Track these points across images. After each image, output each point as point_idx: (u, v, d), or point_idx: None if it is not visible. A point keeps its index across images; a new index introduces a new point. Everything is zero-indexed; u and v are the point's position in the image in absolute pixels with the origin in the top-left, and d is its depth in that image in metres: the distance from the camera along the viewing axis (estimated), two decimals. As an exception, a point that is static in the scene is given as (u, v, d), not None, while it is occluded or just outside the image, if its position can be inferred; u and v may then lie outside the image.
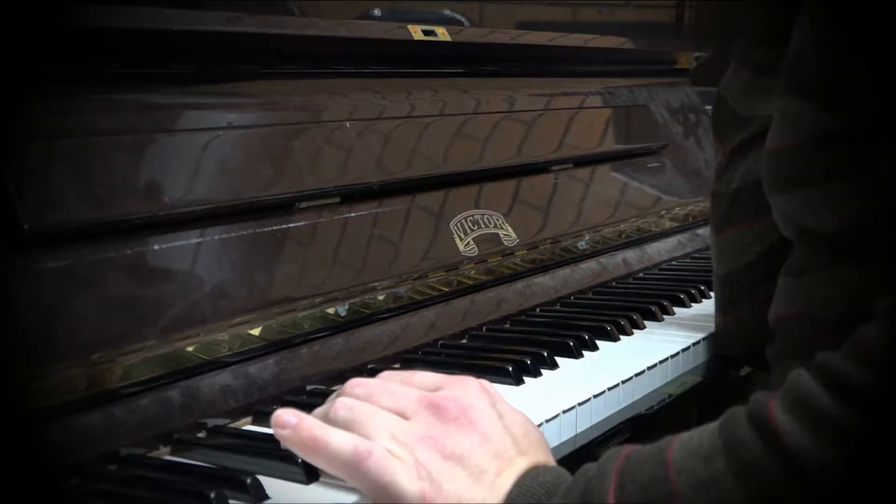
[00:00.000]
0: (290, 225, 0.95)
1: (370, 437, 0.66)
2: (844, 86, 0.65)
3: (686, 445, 0.59)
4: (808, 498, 0.54)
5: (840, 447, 0.53)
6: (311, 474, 0.70)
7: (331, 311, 0.94)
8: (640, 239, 1.44)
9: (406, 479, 0.64)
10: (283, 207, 0.95)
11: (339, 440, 0.66)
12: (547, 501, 0.62)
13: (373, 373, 0.93)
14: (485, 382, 0.71)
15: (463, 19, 1.43)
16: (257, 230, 0.91)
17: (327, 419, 0.69)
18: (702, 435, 0.59)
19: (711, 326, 1.08)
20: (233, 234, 0.89)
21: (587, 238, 1.32)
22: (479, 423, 0.66)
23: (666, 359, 1.00)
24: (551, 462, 0.68)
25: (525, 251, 1.20)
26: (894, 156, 0.61)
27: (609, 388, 0.91)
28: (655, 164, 1.56)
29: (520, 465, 0.65)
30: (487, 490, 0.64)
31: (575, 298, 1.23)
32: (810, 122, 0.68)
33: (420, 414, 0.67)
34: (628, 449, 0.62)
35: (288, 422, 0.67)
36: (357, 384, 0.71)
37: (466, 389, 0.69)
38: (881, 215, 0.63)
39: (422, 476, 0.64)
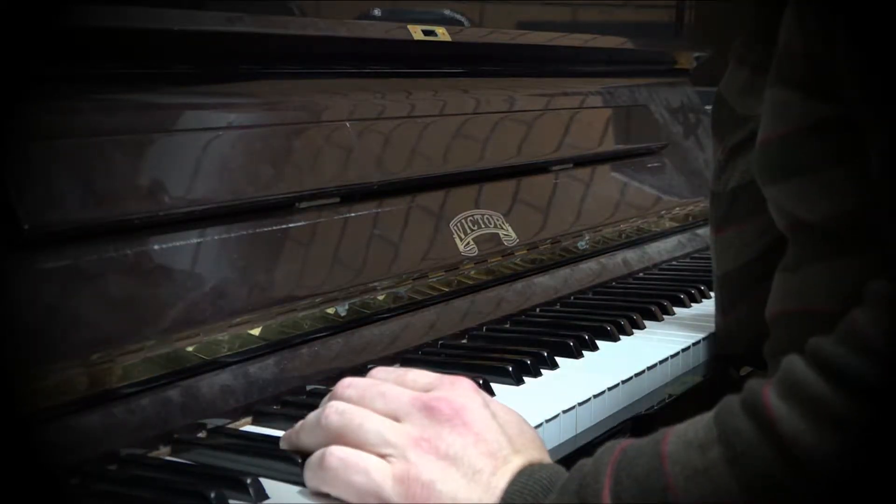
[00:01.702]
0: (290, 225, 0.95)
1: (363, 442, 0.66)
2: (832, 74, 0.64)
3: (681, 436, 0.59)
4: (803, 486, 0.53)
5: (835, 434, 0.53)
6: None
7: (331, 311, 0.94)
8: (640, 239, 1.44)
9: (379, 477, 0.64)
10: (283, 207, 0.95)
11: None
12: (543, 499, 0.62)
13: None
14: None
15: (463, 19, 1.43)
16: (257, 230, 0.91)
17: (319, 425, 0.69)
18: (697, 425, 0.59)
19: (711, 326, 1.08)
20: (233, 234, 0.89)
21: (587, 238, 1.32)
22: (472, 423, 0.66)
23: (666, 359, 1.00)
24: (547, 460, 0.68)
25: (525, 251, 1.20)
26: (885, 143, 0.60)
27: (609, 388, 0.91)
28: (655, 164, 1.56)
29: (515, 464, 0.65)
30: (483, 490, 0.63)
31: (575, 298, 1.23)
32: (800, 111, 0.68)
33: (413, 415, 0.67)
34: (624, 443, 0.62)
35: None
36: (349, 385, 0.71)
37: (459, 390, 0.69)
38: (874, 203, 0.63)
39: (400, 475, 0.64)
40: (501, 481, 0.64)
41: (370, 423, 0.67)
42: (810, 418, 0.53)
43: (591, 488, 0.60)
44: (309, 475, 0.68)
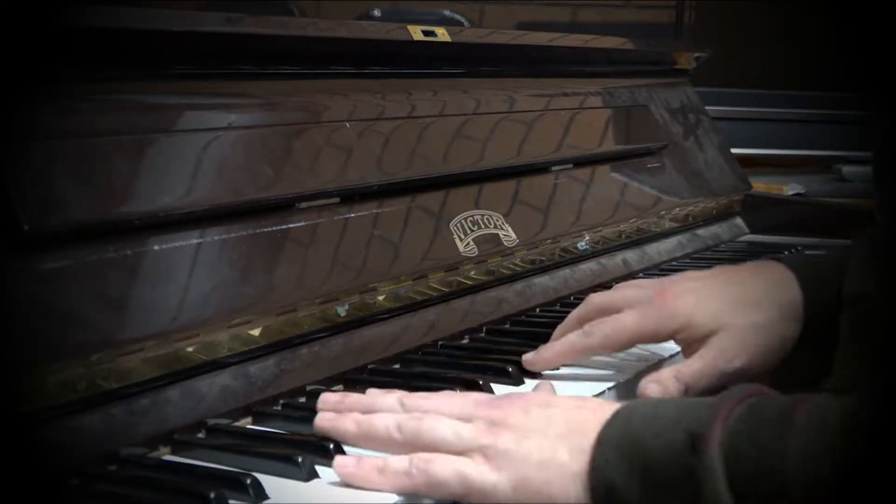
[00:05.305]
0: (290, 225, 0.95)
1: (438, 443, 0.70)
2: None
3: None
4: None
5: None
6: (310, 474, 0.70)
7: (331, 311, 0.94)
8: (640, 239, 1.44)
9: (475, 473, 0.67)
10: (283, 208, 0.95)
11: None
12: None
13: (373, 373, 0.93)
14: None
15: (463, 19, 1.43)
16: (257, 230, 0.91)
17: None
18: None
19: (711, 326, 1.08)
20: (233, 235, 0.89)
21: (587, 238, 1.32)
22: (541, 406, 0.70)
23: (666, 358, 1.00)
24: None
25: (525, 251, 1.20)
26: None
27: (609, 388, 0.91)
28: (655, 165, 1.56)
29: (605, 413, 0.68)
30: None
31: (575, 299, 1.22)
32: None
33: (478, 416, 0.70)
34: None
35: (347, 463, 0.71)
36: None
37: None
38: None
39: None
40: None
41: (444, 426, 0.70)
42: None
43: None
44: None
